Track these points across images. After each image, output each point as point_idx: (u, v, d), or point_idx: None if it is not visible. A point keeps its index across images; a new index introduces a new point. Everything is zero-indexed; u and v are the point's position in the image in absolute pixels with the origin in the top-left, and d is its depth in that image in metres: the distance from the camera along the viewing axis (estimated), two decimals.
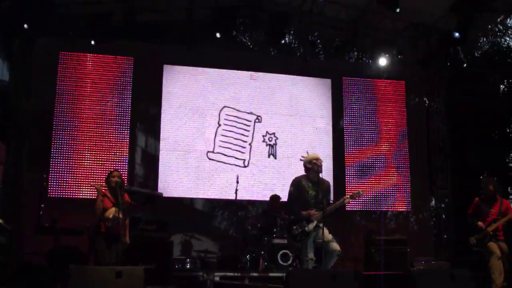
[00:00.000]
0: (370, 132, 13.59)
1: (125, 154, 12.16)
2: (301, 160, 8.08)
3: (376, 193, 13.29)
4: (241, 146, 12.75)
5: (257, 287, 9.29)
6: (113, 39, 11.69)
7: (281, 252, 10.05)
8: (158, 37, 12.66)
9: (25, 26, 11.01)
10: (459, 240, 13.34)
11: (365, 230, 11.96)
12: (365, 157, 13.43)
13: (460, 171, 13.94)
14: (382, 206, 13.33)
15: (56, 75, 12.05)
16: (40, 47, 12.00)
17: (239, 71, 13.15)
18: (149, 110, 12.74)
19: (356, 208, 13.11)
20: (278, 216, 10.67)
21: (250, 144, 12.80)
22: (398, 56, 13.29)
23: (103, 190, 7.66)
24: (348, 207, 12.88)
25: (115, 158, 12.03)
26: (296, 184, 7.86)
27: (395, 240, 10.94)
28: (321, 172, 7.75)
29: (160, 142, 12.40)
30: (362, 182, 13.21)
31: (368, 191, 13.09)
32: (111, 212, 7.48)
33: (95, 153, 11.97)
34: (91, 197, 11.19)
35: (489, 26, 13.93)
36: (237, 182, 10.89)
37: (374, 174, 13.39)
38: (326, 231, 7.48)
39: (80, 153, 11.89)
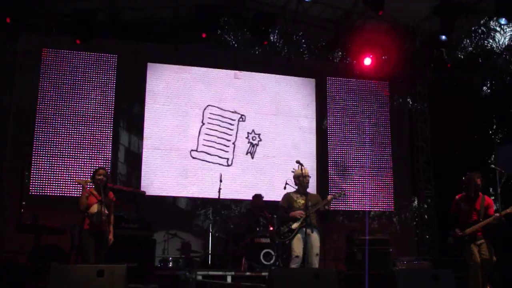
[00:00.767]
0: (353, 132, 13.62)
1: (108, 152, 12.09)
2: (292, 172, 8.24)
3: (359, 193, 13.32)
4: (225, 145, 12.73)
5: (239, 286, 9.28)
6: (97, 37, 11.60)
7: (264, 251, 10.03)
8: (142, 35, 12.63)
9: (8, 22, 10.89)
10: (441, 240, 13.44)
11: (347, 229, 11.98)
12: (348, 156, 13.46)
13: (442, 171, 14.04)
14: (365, 206, 13.37)
15: (38, 72, 11.94)
16: (23, 43, 11.92)
17: (224, 70, 13.11)
18: (133, 108, 12.69)
19: (339, 208, 13.13)
20: (261, 215, 10.68)
21: (233, 143, 12.78)
22: (382, 56, 13.35)
23: (88, 187, 7.66)
24: (331, 207, 12.89)
25: (98, 156, 11.95)
26: (286, 197, 8.12)
27: (377, 240, 10.96)
28: (307, 187, 8.08)
29: (144, 140, 12.35)
30: (345, 181, 13.24)
31: (351, 191, 13.13)
32: (96, 207, 7.47)
33: (77, 151, 11.87)
34: (73, 195, 11.15)
35: (473, 28, 14.05)
36: (221, 180, 10.86)
37: (357, 173, 13.42)
38: (316, 242, 7.75)
39: (63, 151, 11.79)
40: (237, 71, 13.15)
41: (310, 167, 11.82)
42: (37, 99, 11.84)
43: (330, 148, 13.41)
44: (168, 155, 12.36)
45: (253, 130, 12.93)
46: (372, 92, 13.99)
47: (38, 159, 11.62)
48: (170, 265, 10.56)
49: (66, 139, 11.85)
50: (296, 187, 8.19)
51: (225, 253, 10.62)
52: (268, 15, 11.70)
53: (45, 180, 11.58)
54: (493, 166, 7.77)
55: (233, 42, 14.49)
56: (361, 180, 13.40)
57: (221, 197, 10.99)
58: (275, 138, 13.03)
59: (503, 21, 11.23)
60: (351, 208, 13.27)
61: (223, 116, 12.84)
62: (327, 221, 8.49)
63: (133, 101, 12.67)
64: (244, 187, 12.52)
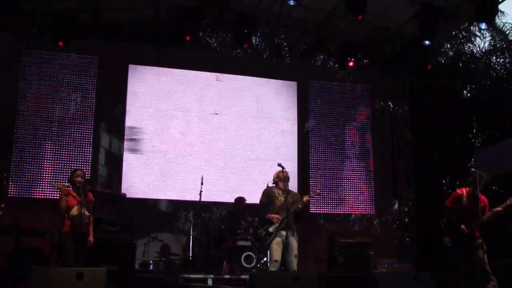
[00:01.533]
0: (335, 135, 13.67)
1: (88, 154, 12.01)
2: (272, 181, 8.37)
3: (340, 195, 13.36)
4: (206, 148, 12.70)
5: None
6: (78, 38, 11.50)
7: (245, 254, 10.04)
8: (124, 37, 12.55)
9: None
10: (421, 243, 13.52)
11: (328, 232, 12.01)
12: (329, 159, 13.50)
13: (423, 174, 14.12)
14: (346, 208, 13.41)
15: (18, 73, 11.84)
16: (3, 44, 11.79)
17: (205, 72, 13.08)
18: (114, 110, 12.61)
19: (320, 210, 13.17)
20: (243, 218, 10.68)
21: (215, 146, 12.76)
22: (363, 60, 13.40)
23: (67, 190, 7.63)
24: (312, 210, 12.95)
25: (78, 158, 11.87)
26: (267, 192, 8.19)
27: (358, 242, 11.02)
28: (288, 180, 8.19)
29: (124, 142, 12.28)
30: (326, 184, 13.27)
31: (332, 193, 13.18)
32: (76, 209, 7.44)
33: (57, 153, 11.79)
34: (53, 197, 11.07)
35: (453, 33, 14.14)
36: (202, 183, 10.84)
37: (338, 176, 13.47)
38: (295, 244, 7.79)
39: (43, 152, 11.70)
40: (218, 74, 13.14)
41: (292, 170, 11.80)
42: (17, 100, 11.72)
43: (311, 151, 13.44)
44: (148, 157, 12.30)
45: (233, 133, 12.93)
46: (353, 95, 14.05)
47: (18, 161, 11.51)
48: (151, 268, 10.51)
49: (46, 140, 11.77)
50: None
51: (206, 256, 10.59)
52: (249, 17, 11.69)
53: (25, 182, 11.47)
54: (473, 169, 7.78)
55: (215, 45, 14.45)
56: (342, 183, 13.45)
57: (202, 200, 10.98)
58: (257, 141, 13.02)
59: (483, 26, 11.34)
60: (332, 211, 13.30)
61: (204, 119, 12.81)
62: (301, 221, 8.57)
63: (114, 103, 12.59)
64: (225, 190, 12.50)
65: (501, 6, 12.04)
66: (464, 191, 7.83)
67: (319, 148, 13.51)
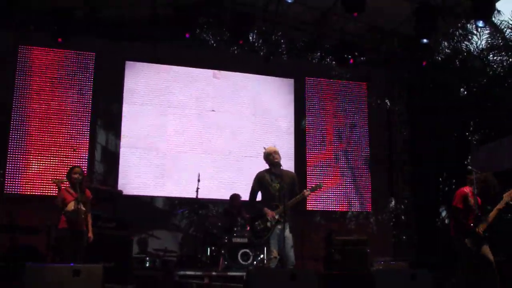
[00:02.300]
0: (332, 133, 13.65)
1: (85, 151, 11.99)
2: (264, 149, 8.10)
3: (337, 193, 13.35)
4: (203, 145, 12.68)
5: (217, 286, 9.26)
6: (75, 34, 11.47)
7: (241, 251, 10.05)
8: (121, 33, 12.52)
9: None
10: (418, 241, 13.53)
11: (325, 230, 12.01)
12: (326, 157, 13.49)
13: (420, 173, 14.12)
14: (343, 206, 13.41)
15: (15, 69, 11.80)
16: None
17: (202, 69, 13.06)
18: (110, 107, 12.58)
19: (316, 208, 13.16)
20: (239, 215, 10.67)
21: (211, 143, 12.74)
22: (360, 58, 13.39)
23: (64, 186, 7.63)
24: (309, 207, 12.95)
25: (74, 154, 11.84)
26: (258, 178, 7.90)
27: (355, 240, 11.02)
28: (280, 164, 7.82)
29: (121, 139, 12.26)
30: (323, 182, 13.17)
31: (329, 191, 13.18)
32: (72, 205, 7.43)
33: (54, 150, 11.76)
34: (49, 194, 11.04)
35: (451, 30, 14.14)
36: (198, 180, 10.83)
37: (335, 174, 13.46)
38: (289, 235, 7.52)
39: (39, 149, 11.67)
40: (215, 71, 13.12)
41: (289, 168, 11.77)
42: (13, 97, 11.69)
43: (308, 148, 13.43)
44: (145, 154, 12.29)
45: (230, 130, 12.92)
46: (350, 93, 14.04)
47: (14, 157, 11.48)
48: (147, 264, 10.49)
49: (42, 137, 11.73)
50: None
51: (202, 253, 10.58)
52: (247, 15, 11.67)
53: (21, 179, 11.44)
54: (470, 167, 7.77)
55: (212, 42, 14.42)
56: (339, 181, 13.44)
57: (198, 197, 10.97)
58: (253, 138, 13.01)
59: (480, 24, 11.33)
60: (329, 208, 13.30)
61: (201, 116, 12.80)
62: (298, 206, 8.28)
63: (111, 100, 12.56)
64: (222, 187, 12.48)
65: (497, 5, 12.04)
66: (468, 190, 7.76)
67: (316, 146, 13.50)
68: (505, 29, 14.86)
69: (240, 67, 13.37)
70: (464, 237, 7.50)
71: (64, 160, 11.70)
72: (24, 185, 11.46)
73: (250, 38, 13.48)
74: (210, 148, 12.71)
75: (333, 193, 13.31)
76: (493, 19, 13.77)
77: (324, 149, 13.54)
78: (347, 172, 13.55)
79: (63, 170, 11.00)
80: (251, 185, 8.01)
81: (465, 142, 14.45)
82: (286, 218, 7.49)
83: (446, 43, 15.09)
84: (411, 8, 11.41)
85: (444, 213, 13.85)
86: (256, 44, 14.09)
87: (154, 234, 11.47)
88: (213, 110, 12.88)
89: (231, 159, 12.80)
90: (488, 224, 7.46)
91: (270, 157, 7.85)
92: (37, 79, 11.94)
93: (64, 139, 11.87)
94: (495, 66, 15.24)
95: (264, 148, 7.99)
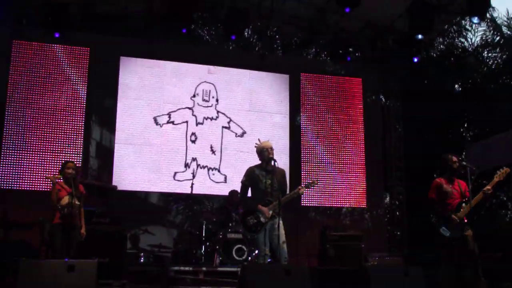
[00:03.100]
0: (326, 129, 13.64)
1: (79, 146, 11.95)
2: (255, 146, 8.03)
3: (332, 189, 13.36)
4: (198, 140, 12.67)
5: (211, 281, 9.26)
6: (69, 29, 11.44)
7: (236, 247, 10.04)
8: (115, 29, 12.49)
9: None
10: (412, 236, 13.57)
11: (320, 225, 12.02)
12: (321, 153, 13.50)
13: (414, 169, 14.15)
14: (338, 202, 13.42)
15: (9, 64, 11.74)
16: None
17: (197, 65, 13.04)
18: (105, 102, 12.54)
19: (311, 203, 13.17)
20: (234, 211, 10.66)
21: (206, 138, 12.73)
22: (355, 54, 13.39)
23: (58, 181, 7.61)
24: (303, 203, 12.95)
25: (69, 150, 11.80)
26: (249, 173, 7.81)
27: (349, 235, 11.04)
28: (275, 161, 7.67)
29: (116, 134, 12.23)
30: (318, 178, 13.19)
31: (324, 187, 13.18)
32: (66, 199, 7.42)
33: (48, 145, 11.72)
34: (43, 189, 11.02)
35: (445, 27, 14.16)
36: (193, 176, 10.83)
37: (330, 170, 13.46)
38: (282, 230, 7.44)
39: (33, 144, 11.62)
40: (211, 66, 13.10)
41: (283, 163, 11.82)
42: (7, 92, 11.63)
43: (303, 144, 13.43)
44: (140, 150, 12.27)
45: (224, 126, 12.91)
46: (345, 89, 14.03)
47: (7, 153, 11.43)
48: (142, 260, 10.48)
49: (36, 132, 11.69)
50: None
51: (197, 249, 10.58)
52: (242, 10, 11.67)
53: (15, 174, 11.40)
54: (464, 163, 7.76)
55: (207, 37, 14.42)
56: (334, 177, 13.44)
57: (193, 193, 10.96)
58: (248, 134, 13.00)
59: (475, 20, 11.35)
60: (324, 204, 13.31)
61: (195, 111, 12.78)
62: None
63: (105, 95, 12.52)
64: (217, 183, 12.48)
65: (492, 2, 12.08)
66: (441, 179, 7.75)
67: (311, 141, 13.50)
68: (501, 25, 14.94)
69: (235, 62, 13.35)
70: (439, 227, 7.48)
71: (58, 155, 11.65)
72: (18, 181, 11.41)
73: (246, 34, 13.47)
74: (204, 143, 12.69)
75: (327, 189, 13.31)
76: (491, 14, 13.86)
77: (319, 144, 13.53)
78: (341, 168, 13.55)
79: (57, 166, 10.98)
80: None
81: (459, 139, 14.50)
82: (280, 214, 7.39)
83: (441, 39, 15.14)
84: (405, 4, 11.43)
85: None
86: (251, 39, 14.09)
87: (149, 229, 11.46)
88: (207, 106, 12.84)
89: (226, 154, 12.79)
90: (468, 211, 7.35)
91: (265, 152, 7.72)
92: (31, 74, 11.87)
93: (59, 134, 11.83)
94: (489, 62, 15.30)
95: (259, 140, 7.93)
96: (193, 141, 12.62)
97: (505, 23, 15.63)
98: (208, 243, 10.45)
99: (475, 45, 15.96)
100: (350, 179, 13.54)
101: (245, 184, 7.81)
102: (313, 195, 13.09)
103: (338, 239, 10.86)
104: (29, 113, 11.72)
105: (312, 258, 11.54)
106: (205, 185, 12.30)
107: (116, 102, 12.34)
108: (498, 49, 15.53)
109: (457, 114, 14.74)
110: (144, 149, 12.29)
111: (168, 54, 12.86)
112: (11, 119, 11.58)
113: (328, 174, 13.40)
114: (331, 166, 13.49)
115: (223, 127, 12.90)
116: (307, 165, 13.32)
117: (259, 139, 8.01)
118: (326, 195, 13.27)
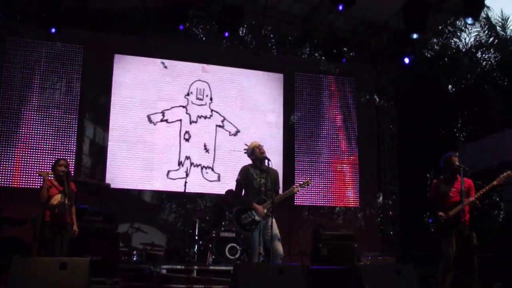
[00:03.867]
0: (320, 128, 13.65)
1: (72, 143, 11.92)
2: (244, 152, 8.07)
3: (325, 188, 13.37)
4: (191, 139, 12.66)
5: (204, 280, 9.25)
6: (63, 26, 11.39)
7: (229, 246, 10.03)
8: (110, 26, 12.46)
9: None
10: (405, 236, 13.60)
11: (313, 224, 12.02)
12: (315, 152, 13.49)
13: (407, 168, 14.18)
14: (331, 201, 13.43)
15: (2, 61, 11.71)
16: None
17: (191, 63, 13.02)
18: (99, 100, 12.51)
19: (304, 203, 13.18)
20: (228, 209, 10.64)
21: (200, 137, 12.72)
22: (350, 53, 13.39)
23: (49, 178, 7.58)
24: (296, 202, 12.95)
25: (62, 147, 11.77)
26: (244, 172, 7.81)
27: (343, 235, 11.04)
28: (269, 160, 7.71)
29: (109, 132, 12.20)
30: (311, 177, 13.19)
31: (317, 186, 13.19)
32: (57, 198, 7.39)
33: (41, 143, 11.68)
34: (35, 186, 10.97)
35: (440, 27, 14.19)
36: (187, 174, 10.82)
37: (323, 169, 13.46)
38: (276, 229, 7.44)
39: (26, 142, 11.58)
40: (205, 65, 13.08)
41: (277, 162, 11.81)
42: (0, 88, 11.61)
43: (296, 143, 13.43)
44: (133, 148, 12.24)
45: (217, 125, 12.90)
46: (339, 88, 14.04)
47: (0, 150, 11.39)
48: (134, 258, 10.47)
49: (29, 129, 11.65)
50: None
51: (190, 247, 10.57)
52: (236, 9, 11.65)
53: (7, 171, 11.36)
54: (457, 163, 7.77)
55: (202, 35, 14.39)
56: (327, 176, 13.45)
57: (186, 191, 10.94)
58: (242, 132, 12.99)
59: (469, 20, 11.36)
60: (317, 203, 13.32)
61: (189, 109, 12.77)
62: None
63: (99, 93, 12.49)
64: (210, 182, 12.47)
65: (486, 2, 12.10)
66: (440, 180, 7.88)
67: (305, 141, 13.50)
68: (495, 25, 14.99)
69: (229, 61, 13.34)
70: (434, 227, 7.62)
71: (51, 153, 11.61)
72: (10, 178, 11.37)
73: (240, 32, 13.46)
74: (198, 142, 12.68)
75: (321, 188, 13.31)
76: (486, 13, 13.89)
77: (312, 143, 13.53)
78: (335, 167, 13.55)
79: (50, 163, 10.94)
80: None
81: (452, 138, 14.53)
82: (273, 213, 7.40)
83: (435, 39, 15.17)
84: (399, 3, 11.44)
85: None
86: (245, 38, 14.08)
87: (142, 228, 11.43)
88: (201, 104, 12.83)
89: (219, 153, 12.78)
90: (462, 209, 7.32)
91: (256, 150, 7.76)
92: (25, 71, 11.83)
93: (52, 132, 11.79)
94: (483, 63, 15.34)
95: (246, 145, 7.93)
96: (187, 140, 12.61)
97: (499, 23, 15.70)
98: (201, 242, 10.45)
99: (469, 45, 16.02)
100: (343, 178, 13.54)
101: (240, 183, 7.79)
102: (307, 194, 13.09)
103: (331, 239, 10.84)
104: (23, 110, 11.67)
105: (305, 257, 11.53)
106: (198, 184, 12.29)
107: (110, 99, 12.31)
108: (492, 50, 15.59)
109: (450, 114, 14.77)
110: (138, 147, 12.26)
111: (162, 52, 12.83)
112: (3, 115, 11.53)
113: (321, 173, 13.40)
114: (325, 165, 13.50)
115: (216, 125, 12.89)
116: (300, 164, 13.32)
117: (245, 144, 8.00)
118: (319, 194, 13.28)
